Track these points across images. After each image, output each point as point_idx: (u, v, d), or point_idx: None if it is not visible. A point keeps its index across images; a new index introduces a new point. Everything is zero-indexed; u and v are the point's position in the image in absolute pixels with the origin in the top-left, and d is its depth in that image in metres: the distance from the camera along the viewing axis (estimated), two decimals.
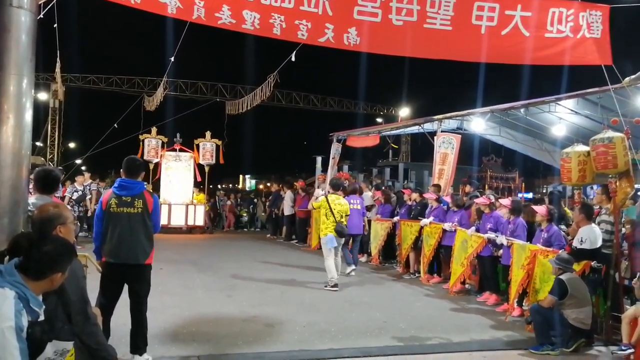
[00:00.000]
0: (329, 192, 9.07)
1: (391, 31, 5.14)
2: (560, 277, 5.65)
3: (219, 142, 17.37)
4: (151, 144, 16.69)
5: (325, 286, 8.36)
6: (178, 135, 17.25)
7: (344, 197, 9.20)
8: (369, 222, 11.47)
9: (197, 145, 17.18)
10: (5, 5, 3.33)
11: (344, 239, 8.82)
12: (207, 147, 17.19)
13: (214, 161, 17.23)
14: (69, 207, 8.90)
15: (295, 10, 4.82)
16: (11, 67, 3.37)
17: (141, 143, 16.62)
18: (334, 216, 8.49)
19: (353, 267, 9.57)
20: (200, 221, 16.66)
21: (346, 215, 8.77)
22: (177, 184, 16.88)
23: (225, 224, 19.75)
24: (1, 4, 3.33)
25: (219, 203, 20.04)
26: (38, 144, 29.86)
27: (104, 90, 29.98)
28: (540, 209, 7.09)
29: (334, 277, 8.39)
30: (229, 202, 20.25)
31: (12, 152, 3.39)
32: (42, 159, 25.42)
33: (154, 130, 16.94)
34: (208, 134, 17.24)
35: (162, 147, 16.88)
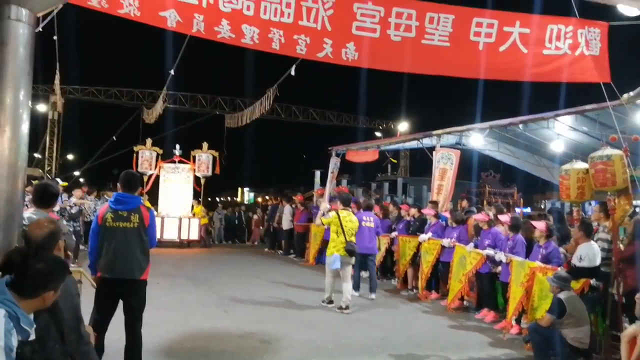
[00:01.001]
0: (334, 208, 8.46)
1: (389, 47, 5.16)
2: (559, 295, 5.59)
3: (216, 154, 17.05)
4: (144, 155, 16.35)
5: (322, 302, 8.23)
6: (178, 146, 17.04)
7: (355, 213, 8.78)
8: None
9: (194, 157, 16.91)
10: (4, 18, 3.32)
11: (354, 258, 8.19)
12: (203, 159, 16.81)
13: (210, 173, 16.92)
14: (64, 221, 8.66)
15: (295, 25, 4.84)
16: (8, 80, 3.35)
17: (135, 155, 16.38)
18: (344, 235, 7.88)
19: (373, 295, 9.10)
20: (195, 235, 16.36)
21: (354, 233, 8.16)
22: (177, 196, 16.66)
23: (251, 238, 19.76)
24: None
25: (244, 217, 19.98)
26: (36, 155, 29.86)
27: (103, 102, 30.05)
28: (540, 225, 7.03)
29: (331, 296, 8.20)
30: (256, 217, 20.16)
31: (8, 164, 3.36)
32: (40, 170, 25.41)
33: (148, 141, 16.67)
34: (205, 145, 16.99)
35: (157, 159, 16.60)
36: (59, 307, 2.57)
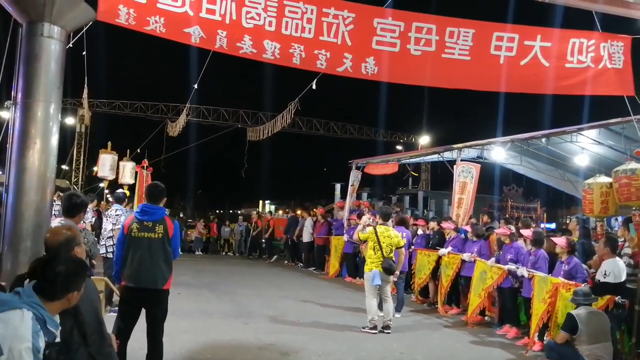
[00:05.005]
0: (377, 222, 8.06)
1: (409, 61, 5.20)
2: (571, 311, 5.51)
3: (116, 155, 14.57)
4: (105, 159, 14.14)
5: (363, 328, 7.44)
6: (146, 151, 16.20)
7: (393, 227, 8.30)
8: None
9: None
10: (37, 35, 3.47)
11: (391, 276, 7.70)
12: (106, 159, 14.16)
13: (113, 176, 14.50)
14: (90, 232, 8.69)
15: (315, 40, 4.93)
16: (40, 94, 3.50)
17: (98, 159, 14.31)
18: (382, 250, 7.50)
19: (398, 314, 8.53)
20: None
21: (398, 248, 7.72)
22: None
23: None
24: (32, 34, 3.47)
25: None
26: (64, 167, 30.51)
27: (129, 115, 30.58)
28: (560, 241, 6.94)
29: (374, 319, 7.44)
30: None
31: (37, 175, 3.50)
32: (67, 182, 25.93)
33: (109, 145, 14.75)
34: (109, 144, 14.71)
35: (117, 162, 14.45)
36: (80, 311, 2.66)
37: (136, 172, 14.69)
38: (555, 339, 5.63)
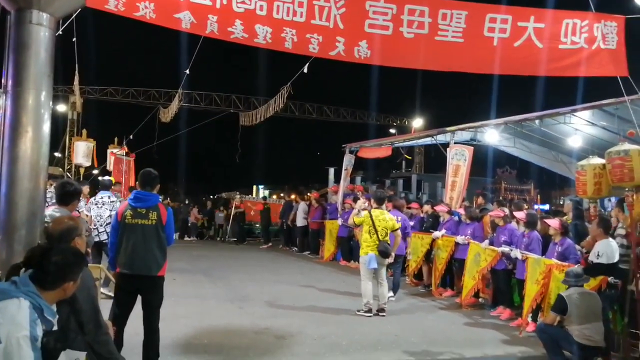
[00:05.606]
0: (372, 206, 8.07)
1: (402, 44, 5.15)
2: (562, 293, 5.57)
3: (93, 142, 14.78)
4: (79, 146, 14.42)
5: (358, 311, 7.50)
6: (130, 137, 15.87)
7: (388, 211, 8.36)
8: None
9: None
10: (25, 22, 3.41)
11: (387, 259, 7.76)
12: (80, 147, 14.40)
13: (89, 163, 14.93)
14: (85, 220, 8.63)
15: (307, 24, 4.87)
16: (30, 82, 3.45)
17: (71, 147, 14.57)
18: (377, 234, 7.54)
19: (391, 293, 8.65)
20: None
21: (393, 231, 7.76)
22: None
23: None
24: (21, 22, 3.42)
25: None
26: (57, 154, 30.28)
27: (120, 102, 30.36)
28: (553, 222, 7.00)
29: (369, 302, 7.50)
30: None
31: (30, 163, 3.47)
32: (60, 169, 25.77)
33: (84, 132, 15.01)
34: (84, 132, 15.00)
35: (93, 150, 14.67)
36: (77, 299, 2.66)
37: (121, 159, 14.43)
38: (546, 321, 5.69)
